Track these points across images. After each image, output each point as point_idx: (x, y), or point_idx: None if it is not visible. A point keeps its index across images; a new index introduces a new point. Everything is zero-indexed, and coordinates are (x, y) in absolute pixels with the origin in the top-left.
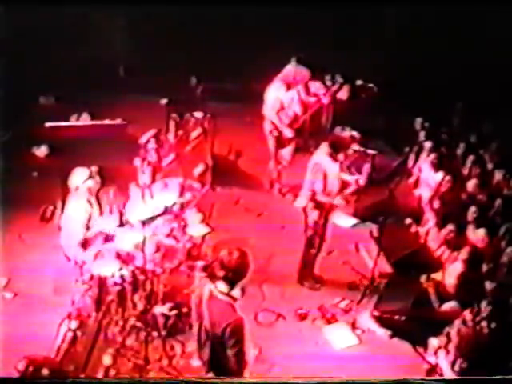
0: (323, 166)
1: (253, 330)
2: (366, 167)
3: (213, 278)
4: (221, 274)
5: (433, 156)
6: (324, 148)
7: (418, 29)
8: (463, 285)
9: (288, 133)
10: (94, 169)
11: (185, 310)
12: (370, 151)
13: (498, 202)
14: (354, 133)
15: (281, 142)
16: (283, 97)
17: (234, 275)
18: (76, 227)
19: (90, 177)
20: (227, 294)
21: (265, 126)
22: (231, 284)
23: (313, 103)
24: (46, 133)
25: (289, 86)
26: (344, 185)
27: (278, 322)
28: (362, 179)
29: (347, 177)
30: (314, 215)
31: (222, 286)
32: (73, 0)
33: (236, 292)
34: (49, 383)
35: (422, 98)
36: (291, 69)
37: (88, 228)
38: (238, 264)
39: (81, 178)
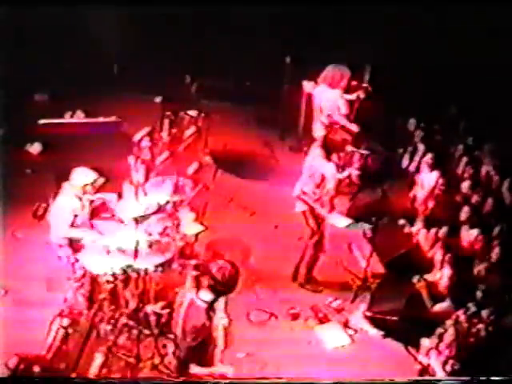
0: (318, 169)
1: (245, 329)
2: (356, 160)
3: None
4: (207, 283)
5: (428, 156)
6: (317, 150)
7: (416, 29)
8: (455, 286)
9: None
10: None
11: None
12: (364, 151)
13: (492, 202)
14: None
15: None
16: (330, 97)
17: (222, 288)
18: (63, 223)
19: (92, 182)
20: (208, 303)
21: (315, 128)
22: (216, 294)
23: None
24: (40, 130)
25: (332, 86)
26: (340, 185)
27: (271, 322)
28: (355, 172)
29: (340, 175)
30: (311, 221)
31: (204, 295)
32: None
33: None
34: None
35: (417, 99)
36: (331, 69)
37: (76, 225)
38: (229, 279)
39: (83, 180)
